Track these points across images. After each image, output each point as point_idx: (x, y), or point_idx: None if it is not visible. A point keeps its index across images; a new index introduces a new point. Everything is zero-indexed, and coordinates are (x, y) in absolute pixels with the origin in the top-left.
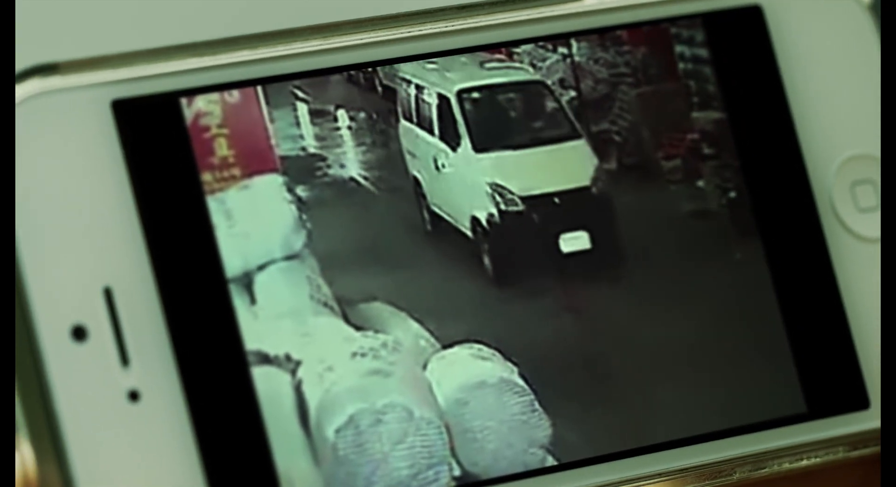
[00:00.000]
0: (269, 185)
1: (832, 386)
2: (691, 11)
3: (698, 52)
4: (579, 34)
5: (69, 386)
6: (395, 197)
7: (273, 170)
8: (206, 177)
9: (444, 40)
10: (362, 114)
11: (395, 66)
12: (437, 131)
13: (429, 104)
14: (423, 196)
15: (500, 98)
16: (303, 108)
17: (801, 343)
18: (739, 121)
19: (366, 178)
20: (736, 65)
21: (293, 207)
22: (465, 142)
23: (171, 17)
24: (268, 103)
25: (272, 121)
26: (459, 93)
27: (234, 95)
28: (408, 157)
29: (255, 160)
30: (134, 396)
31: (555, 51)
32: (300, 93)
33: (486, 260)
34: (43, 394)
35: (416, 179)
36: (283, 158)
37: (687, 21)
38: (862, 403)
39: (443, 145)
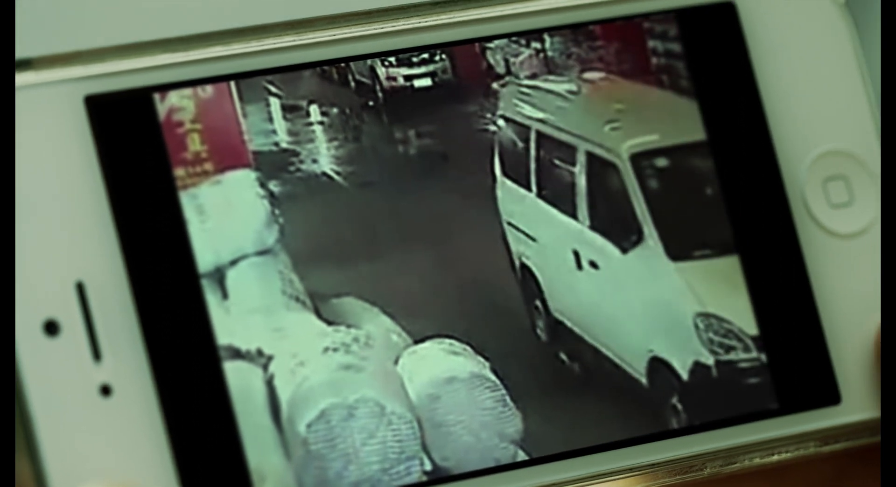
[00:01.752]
0: (242, 180)
1: (803, 381)
2: (665, 7)
3: (671, 47)
4: (552, 30)
5: (41, 381)
6: (367, 192)
7: (246, 165)
8: (179, 172)
9: (417, 36)
10: (335, 110)
11: (504, 97)
12: (584, 215)
13: (566, 168)
14: (542, 301)
15: (685, 166)
16: (275, 104)
17: (773, 338)
18: (712, 117)
19: (338, 173)
20: (709, 60)
21: (265, 202)
22: (651, 242)
23: (144, 13)
24: (241, 99)
25: (245, 116)
26: (636, 159)
27: (207, 91)
28: (510, 233)
29: (227, 155)
30: (106, 391)
31: (528, 46)
32: (273, 89)
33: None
34: (15, 389)
35: (525, 271)
36: (256, 153)
37: (660, 16)
38: (833, 398)
39: (599, 239)
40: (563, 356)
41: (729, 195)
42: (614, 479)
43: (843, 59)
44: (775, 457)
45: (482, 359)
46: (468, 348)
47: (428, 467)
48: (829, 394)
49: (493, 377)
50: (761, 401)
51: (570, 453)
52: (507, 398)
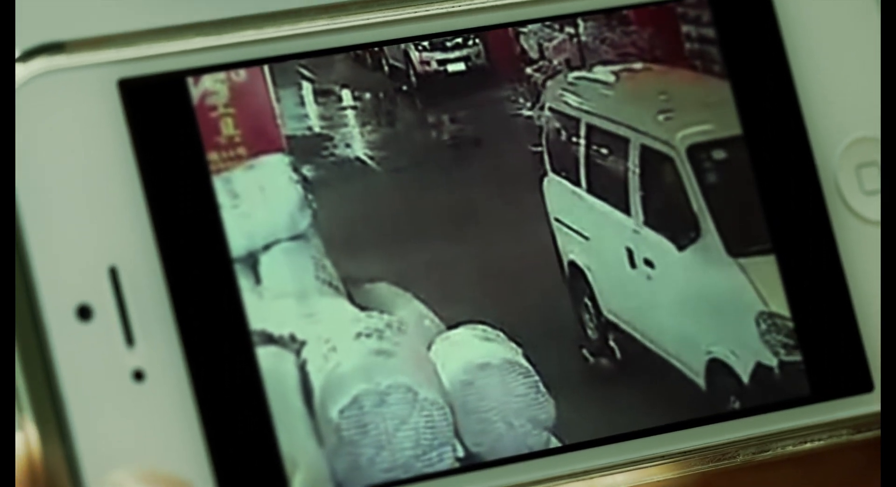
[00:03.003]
0: (275, 165)
1: (836, 368)
2: None
3: (705, 32)
4: (586, 14)
5: (74, 366)
6: (401, 177)
7: (279, 149)
8: (212, 156)
9: (451, 21)
10: (368, 94)
11: (549, 88)
12: (637, 210)
13: (621, 162)
14: (592, 299)
15: (736, 158)
16: (308, 88)
17: (806, 325)
18: (745, 103)
19: (371, 158)
20: (742, 45)
21: (299, 187)
22: (710, 238)
23: None
24: (274, 83)
25: (278, 100)
26: (692, 151)
27: (241, 75)
28: (558, 231)
29: (261, 140)
30: (139, 376)
31: (562, 30)
32: (306, 73)
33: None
34: (47, 374)
35: (574, 270)
36: (289, 138)
37: (694, 1)
38: (866, 386)
39: (656, 236)
40: (611, 353)
41: (763, 183)
42: (647, 466)
43: (877, 45)
44: (808, 445)
45: (515, 346)
46: (501, 334)
47: (461, 453)
48: (861, 382)
49: (525, 363)
50: (794, 388)
51: (602, 440)
52: (541, 384)
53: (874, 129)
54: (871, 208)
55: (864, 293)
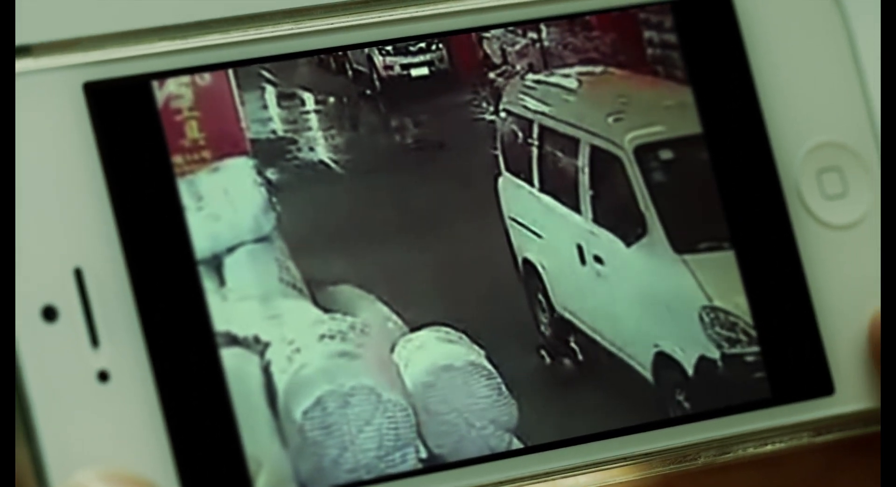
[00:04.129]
0: (240, 168)
1: (797, 371)
2: None
3: (667, 38)
4: (549, 20)
5: (39, 367)
6: (364, 180)
7: (243, 152)
8: (177, 159)
9: (415, 25)
10: (332, 98)
11: (507, 91)
12: (587, 208)
13: (569, 162)
14: (545, 296)
15: (687, 158)
16: (272, 92)
17: (767, 328)
18: (707, 107)
19: (335, 161)
20: (704, 51)
21: (263, 190)
22: (656, 235)
23: (144, 1)
24: (238, 86)
25: (243, 104)
26: (639, 151)
27: (206, 78)
28: (512, 229)
29: (225, 143)
30: (104, 377)
31: (524, 35)
32: (270, 77)
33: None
34: (13, 374)
35: (529, 267)
36: (254, 141)
37: (656, 7)
38: (826, 389)
39: (605, 233)
40: (565, 350)
41: (723, 186)
42: (609, 468)
43: (838, 50)
44: (769, 447)
45: (477, 348)
46: (464, 336)
47: (423, 454)
48: (822, 385)
49: (488, 365)
50: (755, 391)
51: (564, 442)
52: (503, 386)
53: (835, 134)
54: (832, 213)
55: (826, 297)
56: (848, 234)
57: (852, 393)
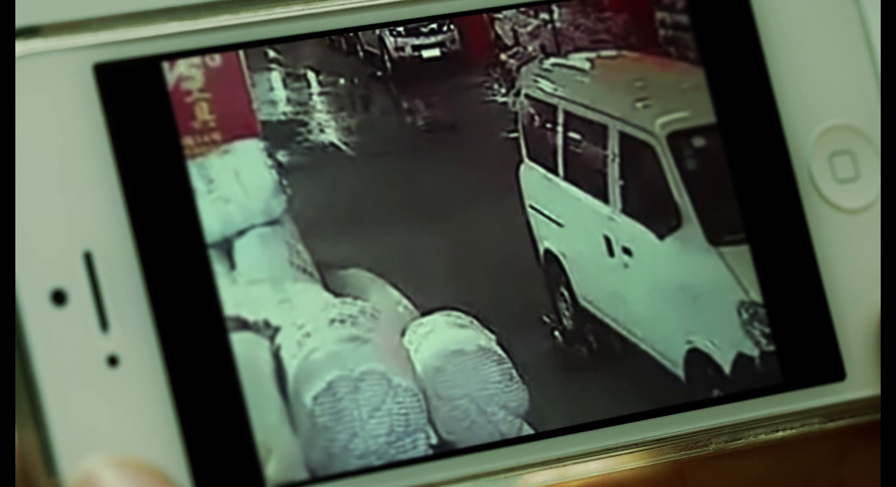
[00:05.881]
0: (250, 150)
1: (808, 357)
2: None
3: (679, 19)
4: (561, 0)
5: (48, 351)
6: (375, 162)
7: (254, 134)
8: (187, 141)
9: (426, 6)
10: (342, 80)
11: (523, 75)
12: (616, 198)
13: (598, 150)
14: (568, 288)
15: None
16: (283, 73)
17: (778, 313)
18: (719, 90)
19: (346, 144)
20: (716, 32)
21: (273, 172)
22: (690, 227)
23: None
24: (249, 68)
25: (253, 85)
26: (672, 138)
27: (216, 60)
28: (533, 219)
29: (236, 125)
30: (113, 361)
31: (536, 17)
32: (280, 58)
33: None
34: (22, 359)
35: (549, 258)
36: (265, 123)
37: None
38: (838, 374)
39: (634, 224)
40: (582, 338)
41: (735, 169)
42: (620, 454)
43: (850, 33)
44: (780, 433)
45: (489, 333)
46: (475, 321)
47: (434, 440)
48: (833, 370)
49: (499, 350)
50: (766, 377)
51: (575, 427)
52: (514, 371)
53: (847, 117)
54: (844, 196)
55: (838, 281)
56: (859, 218)
57: (863, 378)
